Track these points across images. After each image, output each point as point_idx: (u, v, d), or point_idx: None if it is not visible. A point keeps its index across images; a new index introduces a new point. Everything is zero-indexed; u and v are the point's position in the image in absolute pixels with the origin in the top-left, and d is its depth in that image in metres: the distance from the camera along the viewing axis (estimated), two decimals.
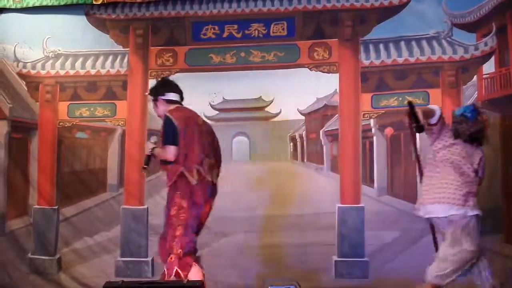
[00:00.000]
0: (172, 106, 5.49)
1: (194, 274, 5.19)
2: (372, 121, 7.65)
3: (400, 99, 7.52)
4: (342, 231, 7.37)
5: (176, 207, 5.28)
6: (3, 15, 8.10)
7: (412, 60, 7.47)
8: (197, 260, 5.33)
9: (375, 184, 7.55)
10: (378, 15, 7.59)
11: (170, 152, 5.23)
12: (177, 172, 5.24)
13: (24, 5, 7.97)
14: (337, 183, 7.50)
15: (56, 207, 7.95)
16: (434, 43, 7.47)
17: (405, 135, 7.60)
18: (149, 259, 7.71)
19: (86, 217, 7.97)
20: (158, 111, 5.58)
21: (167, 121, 5.30)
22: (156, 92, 5.57)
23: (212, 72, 7.86)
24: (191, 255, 5.25)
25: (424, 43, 7.51)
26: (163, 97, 5.53)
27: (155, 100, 5.57)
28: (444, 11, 7.44)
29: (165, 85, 5.66)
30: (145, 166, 5.47)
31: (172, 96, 5.56)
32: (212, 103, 7.97)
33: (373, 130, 7.69)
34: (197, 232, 5.35)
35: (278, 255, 7.34)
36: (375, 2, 7.54)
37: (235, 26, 7.80)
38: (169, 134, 5.27)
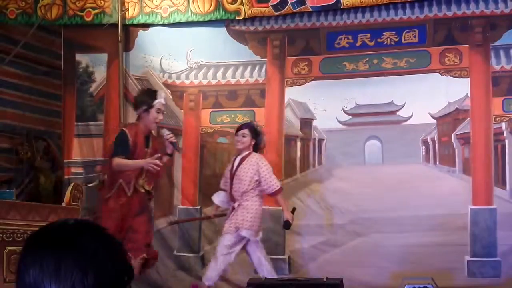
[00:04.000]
0: None
1: None
2: (503, 124, 7.63)
3: None
4: (474, 231, 7.43)
5: None
6: (151, 29, 8.53)
7: None
8: None
9: (507, 186, 7.55)
10: (509, 22, 7.61)
11: None
12: None
13: (171, 21, 8.33)
14: (469, 185, 7.56)
15: (199, 207, 8.31)
16: None
17: None
18: (286, 256, 7.96)
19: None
20: None
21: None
22: None
23: (345, 79, 8.10)
24: None
25: None
26: None
27: None
28: None
29: None
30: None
31: None
32: (345, 108, 8.15)
33: (504, 133, 7.65)
34: None
35: (412, 254, 7.48)
36: (505, 9, 7.54)
37: (368, 35, 7.98)
38: None
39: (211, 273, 6.91)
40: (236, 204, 6.92)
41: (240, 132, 7.03)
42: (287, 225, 7.00)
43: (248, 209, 6.88)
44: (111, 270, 1.58)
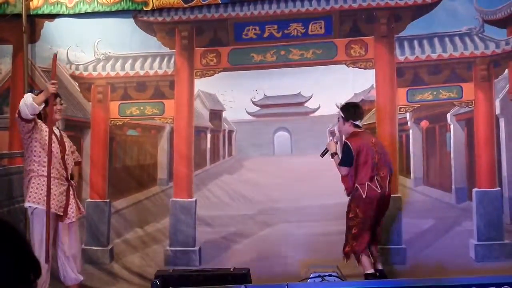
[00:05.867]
0: (353, 129, 6.76)
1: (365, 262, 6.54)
2: (408, 115, 7.82)
3: (435, 93, 7.72)
4: None
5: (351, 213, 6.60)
6: (56, 20, 8.37)
7: (445, 55, 7.66)
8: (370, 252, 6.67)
9: (412, 175, 7.74)
10: (412, 13, 7.77)
11: (342, 170, 6.68)
12: (352, 186, 6.59)
13: (77, 11, 8.21)
14: None
15: (108, 200, 8.21)
16: (467, 39, 7.65)
17: (440, 127, 7.85)
18: (197, 248, 7.98)
19: (137, 209, 8.21)
20: (342, 128, 6.92)
21: (346, 146, 6.66)
22: (349, 115, 6.79)
23: (253, 70, 8.15)
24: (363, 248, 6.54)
25: (456, 39, 7.69)
26: (353, 121, 6.76)
27: (344, 119, 6.80)
28: (475, 8, 7.62)
29: (358, 113, 6.87)
30: (321, 156, 6.93)
31: (358, 123, 6.82)
32: (253, 100, 8.20)
33: (409, 123, 7.84)
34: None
35: (320, 243, 7.56)
36: (409, 0, 7.72)
37: (275, 26, 8.03)
38: (344, 156, 6.65)
39: None
40: None
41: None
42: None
43: None
44: (12, 268, 1.52)
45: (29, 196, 6.24)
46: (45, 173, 6.22)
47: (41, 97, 6.16)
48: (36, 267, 1.60)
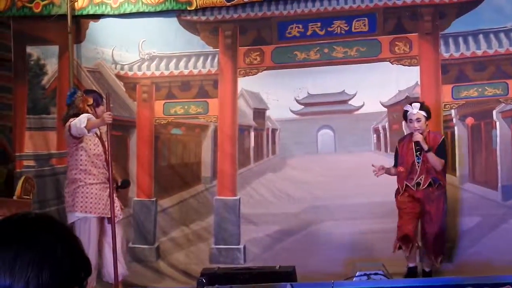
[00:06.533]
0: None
1: None
2: (453, 112, 7.74)
3: (480, 89, 7.65)
4: None
5: None
6: (101, 20, 8.47)
7: (490, 52, 7.57)
8: None
9: (457, 172, 7.67)
10: (457, 10, 7.70)
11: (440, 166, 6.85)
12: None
13: (122, 12, 8.30)
14: None
15: (154, 199, 8.29)
16: None
17: (486, 124, 7.78)
18: (241, 246, 8.03)
19: (182, 208, 8.28)
20: (423, 127, 6.87)
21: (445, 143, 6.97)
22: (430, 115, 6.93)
23: (297, 69, 8.14)
24: None
25: (502, 35, 7.59)
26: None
27: (427, 118, 6.89)
28: None
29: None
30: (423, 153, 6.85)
31: None
32: (297, 98, 8.18)
33: (454, 120, 7.76)
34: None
35: (365, 241, 7.57)
36: None
37: (318, 24, 8.03)
38: (445, 152, 6.94)
39: None
40: None
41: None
42: None
43: None
44: (68, 266, 1.57)
45: (76, 206, 6.31)
46: (92, 181, 6.32)
47: (95, 124, 6.25)
48: (87, 265, 1.65)
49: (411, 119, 6.89)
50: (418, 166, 6.87)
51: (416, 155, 6.89)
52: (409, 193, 6.93)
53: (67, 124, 6.28)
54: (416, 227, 6.97)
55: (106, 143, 6.50)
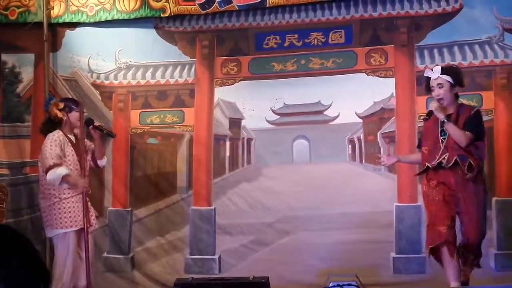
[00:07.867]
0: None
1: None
2: None
3: None
4: (399, 228, 7.55)
5: None
6: (78, 29, 8.44)
7: (465, 64, 7.58)
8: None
9: None
10: (432, 22, 7.73)
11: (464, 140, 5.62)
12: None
13: (97, 19, 8.27)
14: (394, 183, 7.66)
15: (130, 208, 8.26)
16: (486, 48, 7.58)
17: None
18: (216, 256, 8.01)
19: (157, 217, 8.26)
20: (447, 96, 5.78)
21: (480, 115, 5.87)
22: (459, 80, 5.86)
23: (274, 79, 8.15)
24: None
25: (476, 47, 7.63)
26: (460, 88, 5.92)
27: (452, 84, 5.79)
28: (495, 16, 7.54)
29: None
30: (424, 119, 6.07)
31: None
32: (273, 108, 8.20)
33: None
34: None
35: (339, 252, 7.56)
36: (429, 9, 7.68)
37: (296, 35, 8.04)
38: (482, 128, 5.81)
39: None
40: None
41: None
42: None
43: None
44: (24, 278, 1.55)
45: (55, 223, 6.23)
46: (67, 195, 6.24)
47: (70, 182, 6.20)
48: (46, 276, 1.63)
49: (432, 86, 5.84)
50: (443, 143, 5.74)
51: (441, 130, 5.78)
52: (431, 176, 5.79)
53: (46, 165, 6.21)
54: (451, 224, 5.73)
55: (80, 147, 6.42)
